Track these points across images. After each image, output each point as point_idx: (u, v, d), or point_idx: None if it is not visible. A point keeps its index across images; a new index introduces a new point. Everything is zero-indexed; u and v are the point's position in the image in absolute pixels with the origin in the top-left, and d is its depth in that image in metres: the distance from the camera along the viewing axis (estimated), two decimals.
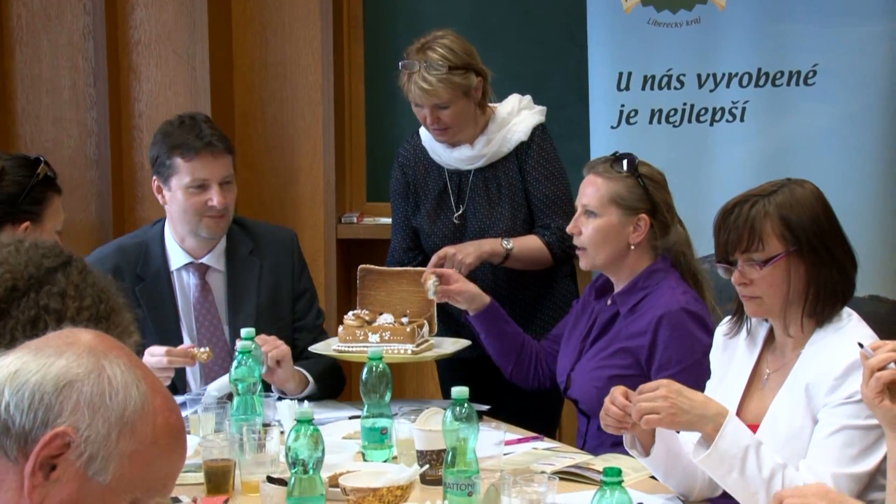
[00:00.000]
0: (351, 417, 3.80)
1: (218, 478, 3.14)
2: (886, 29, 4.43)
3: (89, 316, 2.04)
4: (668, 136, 4.63)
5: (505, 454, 3.34)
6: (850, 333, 2.91)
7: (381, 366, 3.46)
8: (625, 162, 3.64)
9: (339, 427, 3.70)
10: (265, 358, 3.77)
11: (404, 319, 3.94)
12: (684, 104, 4.62)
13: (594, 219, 3.64)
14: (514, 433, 3.62)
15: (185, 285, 4.08)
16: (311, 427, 2.86)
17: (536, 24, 5.18)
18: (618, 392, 2.93)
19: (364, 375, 3.45)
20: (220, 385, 3.72)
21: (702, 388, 3.13)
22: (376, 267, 4.13)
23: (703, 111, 4.61)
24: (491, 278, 4.21)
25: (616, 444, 3.36)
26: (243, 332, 3.63)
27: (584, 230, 3.65)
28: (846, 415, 2.84)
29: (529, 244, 4.14)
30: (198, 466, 3.16)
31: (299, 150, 5.43)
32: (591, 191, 3.65)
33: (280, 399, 3.70)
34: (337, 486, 3.01)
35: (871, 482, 2.84)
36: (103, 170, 5.44)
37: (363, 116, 5.41)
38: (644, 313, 3.57)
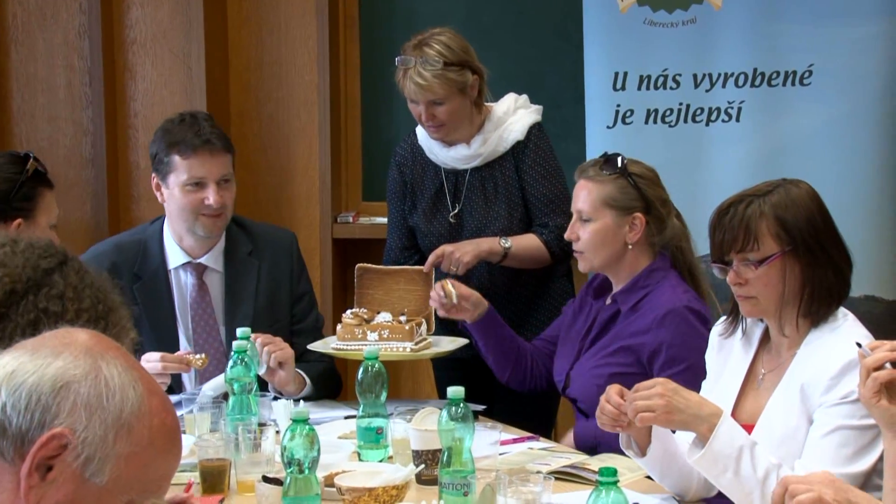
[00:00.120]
0: (347, 417, 3.80)
1: (213, 477, 3.14)
2: (882, 29, 4.43)
3: (88, 318, 2.04)
4: (664, 136, 4.63)
5: (501, 454, 3.34)
6: (845, 333, 2.91)
7: (376, 365, 3.46)
8: (614, 163, 3.64)
9: (335, 427, 3.70)
10: (268, 358, 3.77)
11: (402, 318, 3.94)
12: (680, 104, 4.62)
13: (589, 223, 3.64)
14: (510, 433, 3.62)
15: (183, 284, 4.07)
16: (307, 427, 2.86)
17: (532, 24, 5.18)
18: (613, 391, 2.93)
19: (360, 375, 3.45)
20: (216, 384, 3.71)
21: (693, 389, 3.13)
22: (374, 266, 4.14)
23: (698, 111, 4.61)
24: (487, 277, 4.21)
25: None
26: (239, 331, 3.63)
27: (581, 235, 3.66)
28: (842, 415, 2.84)
29: (527, 243, 4.15)
30: (193, 466, 3.15)
31: (295, 150, 5.43)
32: (584, 195, 3.66)
33: (276, 399, 3.69)
34: (332, 485, 3.01)
35: (867, 482, 2.84)
36: (99, 169, 5.44)
37: (359, 116, 5.41)
38: (647, 311, 3.58)
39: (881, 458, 2.71)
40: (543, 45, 5.17)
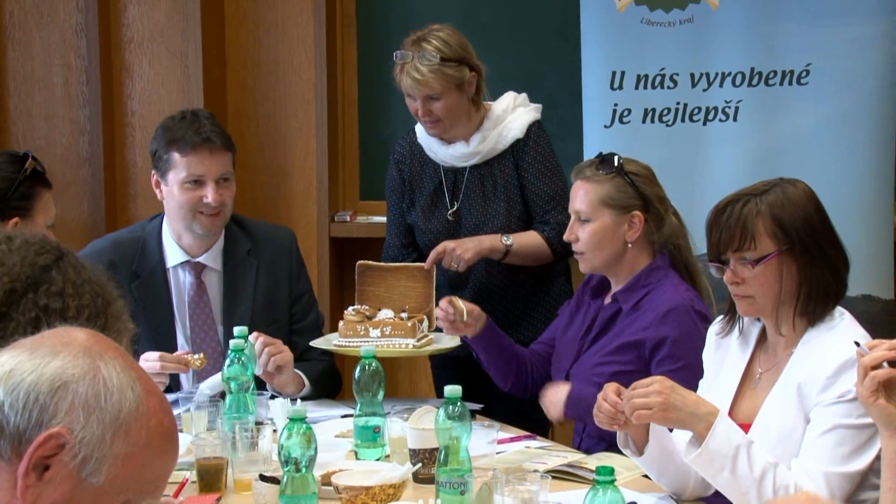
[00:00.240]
0: (343, 416, 3.80)
1: (210, 476, 3.14)
2: (879, 29, 4.44)
3: (89, 314, 2.03)
4: (662, 136, 4.63)
5: (498, 453, 3.34)
6: (842, 333, 2.91)
7: (373, 364, 3.46)
8: (610, 162, 3.64)
9: (332, 425, 3.70)
10: (267, 361, 3.77)
11: (403, 314, 3.95)
12: (677, 103, 4.62)
13: (588, 223, 3.64)
14: (507, 432, 3.62)
15: (181, 283, 4.07)
16: (304, 425, 2.86)
17: (529, 23, 5.18)
18: (610, 389, 2.93)
19: (357, 374, 3.45)
20: (213, 383, 3.71)
21: (691, 388, 3.13)
22: (374, 263, 4.15)
23: (696, 110, 4.62)
24: (484, 275, 4.22)
25: (613, 445, 3.37)
26: (236, 330, 3.63)
27: (581, 235, 3.66)
28: (838, 414, 2.84)
29: (529, 240, 4.15)
30: (190, 465, 3.15)
31: (292, 149, 5.43)
32: (581, 196, 3.65)
33: (273, 397, 3.69)
34: (329, 484, 3.01)
35: (864, 481, 2.84)
36: (96, 168, 5.44)
37: (356, 115, 5.41)
38: (649, 309, 3.57)
39: (878, 457, 2.71)
40: (541, 45, 5.17)
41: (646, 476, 3.15)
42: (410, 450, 3.23)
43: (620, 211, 3.62)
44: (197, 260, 4.06)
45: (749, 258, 2.95)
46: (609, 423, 2.94)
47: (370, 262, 4.14)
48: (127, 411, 1.65)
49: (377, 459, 3.35)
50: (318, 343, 4.02)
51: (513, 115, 4.20)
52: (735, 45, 4.56)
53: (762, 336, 3.11)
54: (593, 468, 2.79)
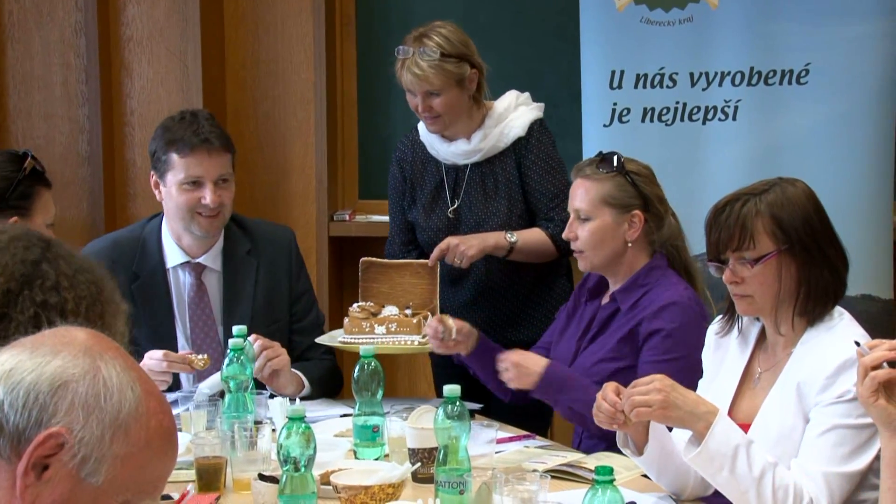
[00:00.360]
0: (343, 415, 3.80)
1: (209, 475, 3.14)
2: (878, 28, 4.44)
3: (87, 304, 2.03)
4: (661, 135, 4.63)
5: (497, 452, 3.34)
6: (841, 332, 2.91)
7: (372, 363, 3.46)
8: (611, 161, 3.63)
9: (331, 425, 3.70)
10: (263, 364, 3.76)
11: (408, 311, 3.96)
12: (677, 103, 4.62)
13: (588, 222, 3.63)
14: (506, 431, 3.62)
15: (181, 284, 4.06)
16: (303, 425, 2.86)
17: (529, 23, 5.18)
18: (610, 388, 2.93)
19: (356, 373, 3.45)
20: (212, 383, 3.71)
21: (686, 384, 3.13)
22: (378, 259, 4.16)
23: (695, 110, 4.61)
24: (484, 272, 4.22)
25: (613, 445, 3.37)
26: (235, 329, 3.62)
27: (580, 234, 3.65)
28: (838, 414, 2.84)
29: (534, 237, 4.15)
30: (189, 464, 3.15)
31: (291, 148, 5.42)
32: (581, 194, 3.65)
33: (272, 397, 3.69)
34: (328, 483, 3.01)
35: (863, 481, 2.84)
36: (95, 167, 5.43)
37: (355, 114, 5.41)
38: (646, 305, 3.56)
39: (877, 457, 2.71)
40: (540, 44, 5.17)
41: (645, 476, 3.15)
42: (409, 449, 3.23)
43: (621, 210, 3.62)
44: (197, 261, 4.05)
45: (748, 257, 2.95)
46: (609, 423, 2.94)
47: (374, 259, 4.14)
48: (127, 412, 1.65)
49: (376, 459, 3.35)
50: (323, 340, 4.02)
51: (515, 114, 4.21)
52: (734, 44, 4.56)
53: (761, 336, 3.11)
54: (592, 468, 2.79)
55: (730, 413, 2.99)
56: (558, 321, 3.87)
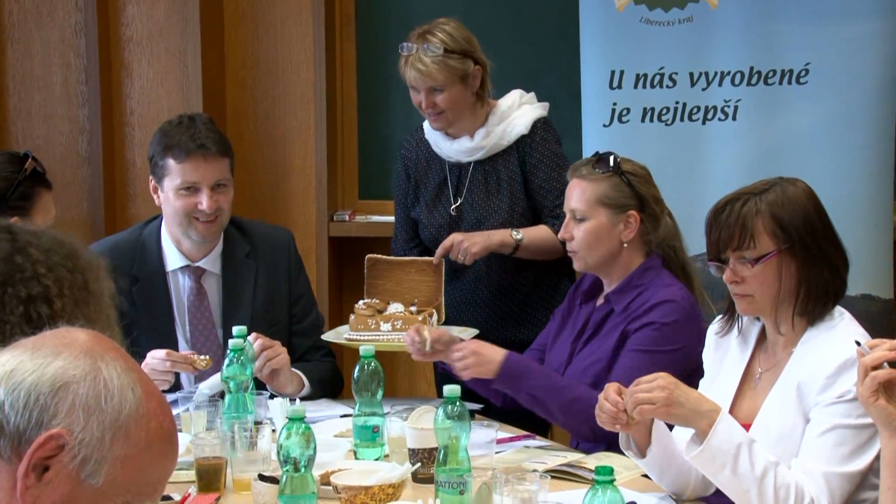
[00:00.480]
0: (343, 416, 3.80)
1: (209, 476, 3.14)
2: (878, 28, 4.43)
3: (69, 282, 2.03)
4: (661, 135, 4.63)
5: (497, 452, 3.34)
6: (842, 332, 2.91)
7: (373, 364, 3.46)
8: (607, 161, 3.63)
9: (331, 425, 3.70)
10: (262, 365, 3.77)
11: (413, 308, 3.97)
12: (676, 103, 4.62)
13: (584, 222, 3.63)
14: (506, 431, 3.62)
15: (181, 287, 4.06)
16: (303, 425, 2.86)
17: (528, 23, 5.18)
18: (612, 389, 2.93)
19: (356, 373, 3.45)
20: (212, 383, 3.71)
21: None
22: (383, 256, 4.18)
23: (695, 110, 4.61)
24: (484, 270, 4.23)
25: (612, 445, 3.37)
26: (235, 329, 3.62)
27: (576, 234, 3.65)
28: (838, 414, 2.84)
29: (540, 234, 4.15)
30: (189, 464, 3.15)
31: (291, 148, 5.42)
32: (577, 194, 3.65)
33: (272, 397, 3.69)
34: (328, 484, 3.01)
35: (864, 481, 2.84)
36: (95, 167, 5.43)
37: (355, 114, 5.41)
38: (641, 305, 3.57)
39: (878, 457, 2.71)
40: (540, 44, 5.17)
41: (645, 476, 3.15)
42: (409, 449, 3.23)
43: (616, 210, 3.62)
44: (197, 265, 4.05)
45: (748, 257, 2.95)
46: (611, 424, 2.93)
47: (379, 256, 4.16)
48: (127, 413, 1.65)
49: (376, 459, 3.35)
50: (329, 337, 4.04)
51: (518, 112, 4.22)
52: (734, 44, 4.56)
53: (762, 336, 3.11)
54: (592, 468, 2.79)
55: (730, 413, 2.99)
56: (553, 322, 3.86)
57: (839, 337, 2.90)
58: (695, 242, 3.75)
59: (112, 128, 5.45)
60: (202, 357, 3.77)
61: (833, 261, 2.97)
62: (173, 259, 4.05)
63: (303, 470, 2.84)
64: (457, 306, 4.21)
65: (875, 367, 2.54)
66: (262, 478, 3.01)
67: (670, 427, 3.00)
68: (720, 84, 4.57)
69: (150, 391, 1.69)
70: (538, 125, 4.21)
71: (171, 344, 3.95)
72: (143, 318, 3.93)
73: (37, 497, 1.61)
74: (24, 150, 3.95)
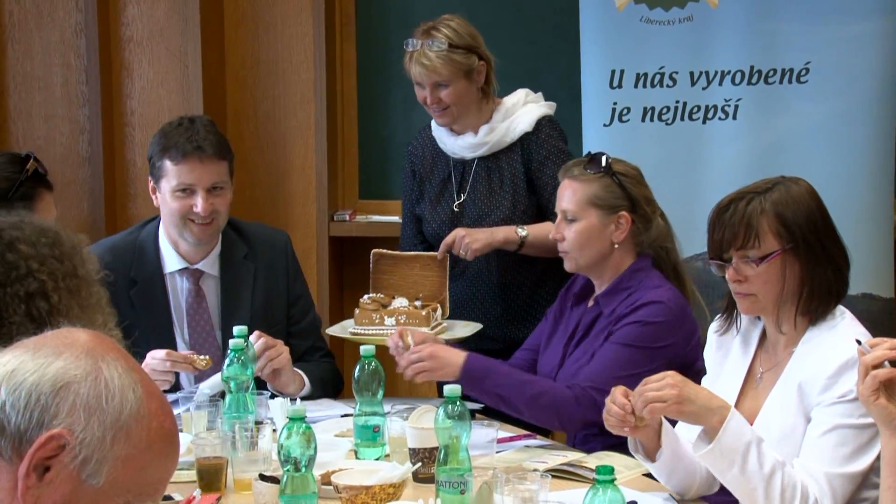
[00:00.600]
0: (343, 415, 3.80)
1: (210, 475, 3.14)
2: (878, 27, 4.43)
3: (63, 273, 2.03)
4: (661, 134, 4.63)
5: (497, 452, 3.34)
6: (843, 332, 2.91)
7: (373, 363, 3.46)
8: (598, 162, 3.63)
9: (332, 425, 3.70)
10: (264, 365, 3.77)
11: (417, 303, 3.99)
12: (677, 102, 4.62)
13: (575, 223, 3.63)
14: (507, 431, 3.62)
15: (179, 289, 4.05)
16: (304, 425, 2.86)
17: (528, 22, 5.18)
18: (618, 392, 2.92)
19: (356, 373, 3.45)
20: (213, 383, 3.71)
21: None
22: (389, 251, 4.21)
23: (695, 109, 4.61)
24: (485, 267, 4.23)
25: (608, 447, 3.37)
26: (236, 329, 3.62)
27: (567, 235, 3.65)
28: (839, 414, 2.83)
29: (545, 231, 4.14)
30: (190, 464, 3.15)
31: (291, 148, 5.42)
32: (569, 195, 3.65)
33: (272, 397, 3.69)
34: (329, 483, 3.01)
35: (865, 481, 2.84)
36: (95, 167, 5.44)
37: (355, 114, 5.41)
38: (628, 306, 3.57)
39: (879, 457, 2.70)
40: (540, 44, 5.17)
41: (646, 475, 3.15)
42: (410, 449, 3.23)
43: (607, 211, 3.61)
44: (195, 267, 4.05)
45: (752, 256, 2.94)
46: (619, 427, 2.92)
47: (384, 251, 4.19)
48: (128, 413, 1.65)
49: (377, 459, 3.35)
50: (333, 331, 4.07)
51: (523, 109, 4.23)
52: (734, 43, 4.56)
53: (763, 335, 3.10)
54: (593, 467, 2.79)
55: None
56: (545, 323, 3.86)
57: (840, 336, 2.90)
58: (695, 241, 3.75)
59: (112, 128, 5.45)
60: (202, 357, 3.77)
61: (836, 260, 2.97)
62: (171, 261, 4.04)
63: (303, 470, 2.83)
64: (459, 304, 4.22)
65: (876, 366, 2.54)
66: (262, 478, 3.01)
67: (672, 422, 3.00)
68: (720, 83, 4.57)
69: (151, 391, 1.69)
70: (543, 123, 4.21)
71: (170, 346, 3.95)
72: (141, 321, 3.92)
73: (38, 497, 1.61)
74: (25, 150, 3.95)
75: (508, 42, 5.13)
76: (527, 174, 4.21)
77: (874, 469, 2.79)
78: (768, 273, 2.94)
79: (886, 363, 2.53)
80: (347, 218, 5.35)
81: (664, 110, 4.63)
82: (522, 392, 3.50)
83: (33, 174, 3.72)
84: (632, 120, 4.65)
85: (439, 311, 4.05)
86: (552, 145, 4.20)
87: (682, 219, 4.07)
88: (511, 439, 3.57)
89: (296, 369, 3.92)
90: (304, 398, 3.88)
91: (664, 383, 2.85)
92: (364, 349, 3.49)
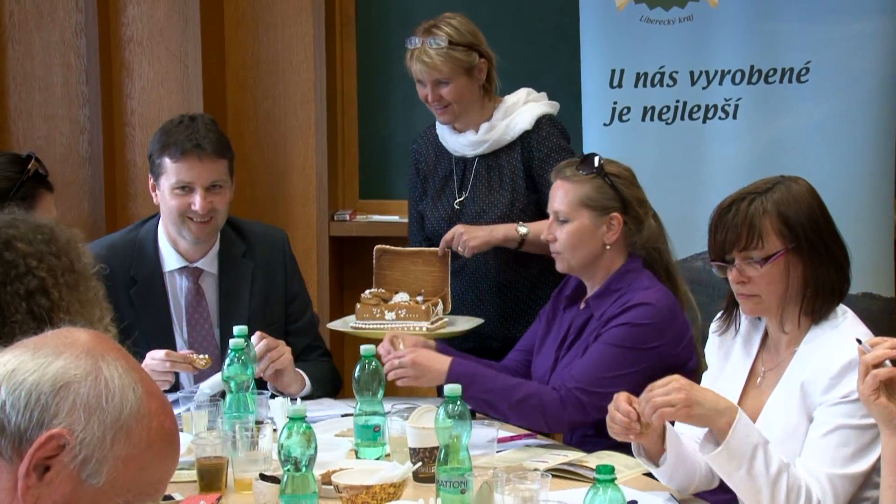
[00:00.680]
0: (343, 415, 3.80)
1: (211, 475, 3.14)
2: (878, 27, 4.43)
3: (62, 269, 2.03)
4: (661, 134, 4.63)
5: (498, 451, 3.34)
6: (845, 331, 2.90)
7: (373, 363, 3.46)
8: (590, 163, 3.63)
9: (332, 424, 3.70)
10: (267, 366, 3.78)
11: (419, 298, 4.01)
12: (677, 101, 4.62)
13: (567, 224, 3.63)
14: (507, 430, 3.62)
15: (178, 288, 4.05)
16: (304, 424, 2.86)
17: (529, 22, 5.18)
18: (621, 399, 2.91)
19: (357, 373, 3.45)
20: (213, 383, 3.71)
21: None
22: (391, 247, 4.24)
23: (695, 108, 4.61)
24: (482, 263, 4.23)
25: (606, 448, 3.37)
26: (236, 329, 3.62)
27: (559, 236, 3.65)
28: (842, 414, 2.83)
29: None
30: (191, 464, 3.15)
31: (292, 148, 5.43)
32: (561, 196, 3.65)
33: (273, 397, 3.69)
34: (330, 483, 3.01)
35: (867, 481, 2.83)
36: (96, 167, 5.44)
37: (356, 114, 5.41)
38: (617, 308, 3.57)
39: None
40: (540, 43, 5.17)
41: (646, 475, 3.15)
42: (410, 449, 3.23)
43: (599, 212, 3.61)
44: (195, 265, 4.05)
45: (756, 257, 2.93)
46: (624, 434, 2.92)
47: (387, 247, 4.23)
48: (128, 413, 1.65)
49: (377, 458, 3.35)
50: (335, 325, 4.10)
51: (524, 108, 4.24)
52: (735, 42, 4.56)
53: (765, 334, 3.10)
54: (593, 467, 2.79)
55: None
56: (539, 324, 3.85)
57: (843, 336, 2.88)
58: (695, 241, 3.75)
59: (112, 128, 5.45)
60: (201, 356, 3.77)
61: (838, 258, 2.97)
62: (171, 260, 4.05)
63: (304, 469, 2.83)
64: (457, 301, 4.22)
65: (876, 365, 2.54)
66: (263, 477, 3.01)
67: (671, 421, 3.00)
68: (720, 83, 4.57)
69: (151, 391, 1.69)
70: (543, 121, 4.22)
71: (169, 345, 3.95)
72: (141, 319, 3.93)
73: (38, 497, 1.61)
74: (26, 151, 3.95)
75: (509, 42, 5.12)
76: (527, 172, 4.22)
77: (876, 469, 2.79)
78: (772, 274, 2.94)
79: (888, 362, 2.53)
80: (348, 218, 5.35)
81: (664, 110, 4.63)
82: (508, 397, 3.50)
83: (34, 175, 3.72)
84: (632, 119, 4.65)
85: (440, 307, 4.07)
86: (553, 142, 4.20)
87: (682, 218, 4.08)
88: (511, 439, 3.57)
89: (297, 370, 3.92)
90: (304, 398, 3.88)
91: (671, 387, 2.83)
92: (364, 349, 3.49)
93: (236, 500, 3.13)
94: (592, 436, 3.50)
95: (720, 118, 4.59)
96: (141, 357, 3.70)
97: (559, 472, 3.19)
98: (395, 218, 5.22)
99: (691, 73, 4.60)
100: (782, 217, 2.93)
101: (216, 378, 3.69)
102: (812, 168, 4.00)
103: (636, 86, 4.64)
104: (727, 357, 3.16)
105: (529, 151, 4.21)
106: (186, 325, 4.03)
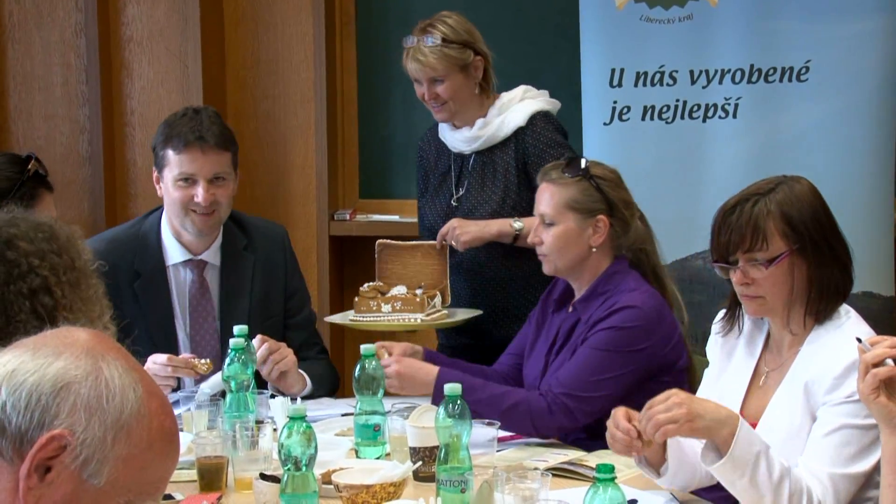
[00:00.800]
0: (344, 414, 3.80)
1: (211, 475, 3.14)
2: (879, 26, 4.43)
3: (64, 267, 2.03)
4: (661, 133, 4.62)
5: (498, 451, 3.34)
6: (849, 331, 2.89)
7: (374, 362, 3.46)
8: (576, 166, 3.63)
9: (332, 424, 3.70)
10: (271, 368, 3.78)
11: (419, 290, 4.03)
12: (677, 100, 4.62)
13: (553, 227, 3.62)
14: (507, 430, 3.61)
15: (182, 281, 4.06)
16: (304, 424, 2.86)
17: (529, 22, 5.18)
18: (620, 415, 2.88)
19: (357, 372, 3.45)
20: (213, 382, 3.71)
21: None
22: (392, 241, 4.26)
23: (695, 107, 4.61)
24: (475, 259, 4.23)
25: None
26: (236, 329, 3.62)
27: (545, 239, 3.64)
28: (845, 413, 2.82)
29: None
30: (191, 463, 3.15)
31: (292, 147, 5.43)
32: (546, 199, 3.64)
33: (273, 396, 3.69)
34: (330, 482, 3.01)
35: (869, 480, 2.83)
36: (96, 167, 5.44)
37: (356, 113, 5.41)
38: (603, 311, 3.56)
39: None
40: (540, 43, 5.17)
41: None
42: (411, 448, 3.23)
43: (585, 215, 3.61)
44: (199, 258, 4.05)
45: (760, 259, 2.92)
46: (626, 452, 2.91)
47: (388, 241, 4.26)
48: (128, 413, 1.65)
49: (377, 458, 3.35)
50: (334, 319, 4.14)
51: (519, 105, 4.24)
52: (734, 42, 4.55)
53: (768, 334, 3.09)
54: (594, 466, 2.79)
55: (740, 413, 2.97)
56: (529, 327, 3.85)
57: (847, 336, 2.86)
58: (695, 240, 3.75)
59: (112, 128, 5.46)
60: (203, 361, 3.77)
61: (841, 257, 2.96)
62: (174, 253, 4.05)
63: (304, 469, 2.84)
64: (462, 304, 4.23)
65: (876, 364, 2.54)
66: (263, 477, 3.01)
67: None
68: (720, 82, 4.57)
69: (151, 391, 1.69)
70: (537, 117, 4.22)
71: (171, 337, 3.97)
72: (144, 313, 3.94)
73: (39, 497, 1.61)
74: (26, 151, 3.95)
75: (508, 41, 5.13)
76: (522, 169, 4.22)
77: (878, 468, 2.78)
78: (776, 275, 2.92)
79: (890, 361, 2.53)
80: (348, 217, 5.35)
81: (664, 109, 4.63)
82: (496, 406, 3.49)
83: (34, 175, 3.72)
84: (632, 119, 4.65)
85: (438, 299, 4.09)
86: (548, 137, 4.20)
87: (682, 217, 4.07)
88: (512, 438, 3.57)
89: (299, 370, 3.93)
90: (304, 397, 3.88)
91: (671, 403, 2.80)
92: (364, 348, 3.49)
93: (236, 500, 3.13)
94: (585, 439, 3.50)
95: (720, 117, 4.58)
96: (141, 355, 3.70)
97: (559, 472, 3.19)
98: (395, 217, 5.22)
99: (691, 72, 4.60)
100: (786, 218, 2.91)
101: (216, 377, 3.70)
102: (812, 167, 4.00)
103: (636, 85, 4.64)
104: (730, 357, 3.15)
105: (524, 148, 4.21)
106: (189, 317, 4.03)
